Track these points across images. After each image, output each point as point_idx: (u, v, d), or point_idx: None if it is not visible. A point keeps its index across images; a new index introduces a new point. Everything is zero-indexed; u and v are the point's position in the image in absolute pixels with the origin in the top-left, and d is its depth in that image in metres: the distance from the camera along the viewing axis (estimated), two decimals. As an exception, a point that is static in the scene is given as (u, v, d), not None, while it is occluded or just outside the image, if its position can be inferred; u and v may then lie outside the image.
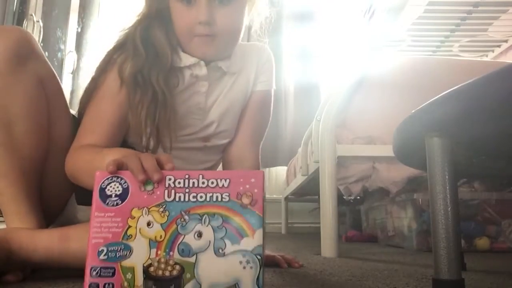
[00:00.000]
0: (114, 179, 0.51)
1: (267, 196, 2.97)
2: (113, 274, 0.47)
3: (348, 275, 0.78)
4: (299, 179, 2.04)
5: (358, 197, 2.03)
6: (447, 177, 0.52)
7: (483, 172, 0.86)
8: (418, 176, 1.39)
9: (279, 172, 3.05)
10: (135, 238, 0.49)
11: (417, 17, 1.80)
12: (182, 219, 0.49)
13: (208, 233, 0.48)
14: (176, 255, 0.48)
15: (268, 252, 0.92)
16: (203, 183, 0.50)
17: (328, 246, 1.17)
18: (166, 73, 0.80)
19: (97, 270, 0.48)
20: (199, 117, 0.87)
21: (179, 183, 0.50)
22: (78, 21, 2.06)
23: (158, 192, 0.50)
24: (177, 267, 0.47)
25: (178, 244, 0.48)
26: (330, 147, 1.23)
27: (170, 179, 0.50)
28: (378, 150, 1.35)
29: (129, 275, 0.47)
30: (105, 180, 0.51)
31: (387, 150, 1.18)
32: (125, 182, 0.51)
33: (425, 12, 1.75)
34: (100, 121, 0.78)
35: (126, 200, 0.50)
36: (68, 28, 1.96)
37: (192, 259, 0.47)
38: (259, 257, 0.47)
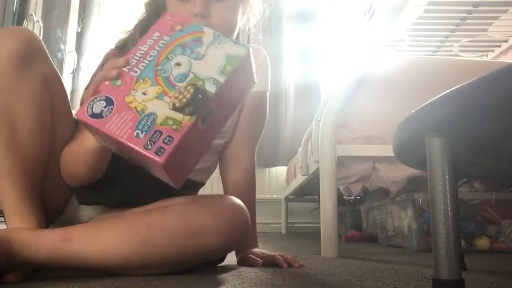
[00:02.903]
0: (91, 102, 0.58)
1: (267, 196, 2.98)
2: (161, 133, 0.54)
3: (348, 275, 0.78)
4: (299, 179, 2.05)
5: (358, 197, 2.03)
6: (447, 177, 0.52)
7: (483, 172, 0.86)
8: (418, 176, 1.39)
9: (279, 172, 3.05)
10: (147, 107, 0.57)
11: (417, 17, 1.80)
12: (159, 70, 0.59)
13: (181, 58, 0.60)
14: (180, 84, 0.58)
15: (268, 252, 0.93)
16: (145, 47, 0.61)
17: (328, 246, 1.17)
18: None
19: (147, 143, 0.54)
20: None
21: (132, 61, 0.61)
22: (78, 21, 2.06)
23: (127, 77, 0.59)
24: (189, 87, 0.57)
25: (174, 79, 0.58)
26: (330, 147, 1.23)
27: (126, 66, 0.61)
28: (378, 150, 1.35)
29: (171, 121, 0.55)
30: (87, 109, 0.58)
31: (387, 150, 1.18)
32: (102, 95, 0.59)
33: (425, 12, 1.75)
34: None
35: (114, 103, 0.58)
36: (68, 28, 1.96)
37: (191, 75, 0.58)
38: (219, 33, 0.61)
